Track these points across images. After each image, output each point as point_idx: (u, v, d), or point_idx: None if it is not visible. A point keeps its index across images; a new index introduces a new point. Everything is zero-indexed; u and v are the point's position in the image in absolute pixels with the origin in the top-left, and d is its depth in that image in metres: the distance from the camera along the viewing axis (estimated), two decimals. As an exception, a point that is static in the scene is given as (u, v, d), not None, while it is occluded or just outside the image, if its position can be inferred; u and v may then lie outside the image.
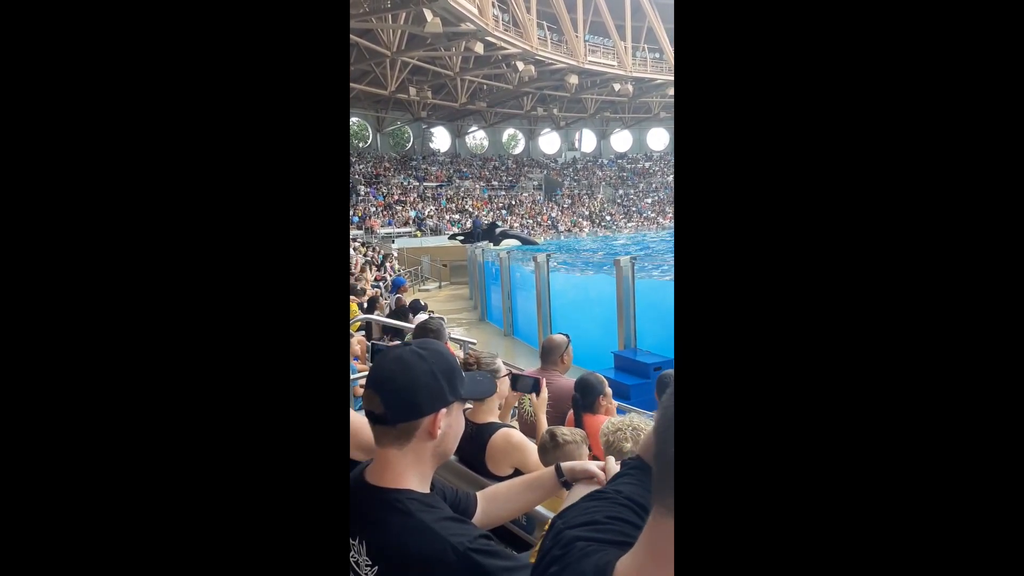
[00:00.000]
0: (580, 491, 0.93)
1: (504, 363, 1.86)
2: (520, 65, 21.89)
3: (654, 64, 27.83)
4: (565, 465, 0.98)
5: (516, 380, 1.82)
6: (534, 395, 1.89)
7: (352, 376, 3.35)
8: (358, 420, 1.16)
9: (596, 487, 0.92)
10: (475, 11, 18.14)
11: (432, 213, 23.49)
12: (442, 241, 19.85)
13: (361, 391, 3.62)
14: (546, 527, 0.90)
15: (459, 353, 3.72)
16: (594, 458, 1.47)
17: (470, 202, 25.60)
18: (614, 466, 0.93)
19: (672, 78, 27.21)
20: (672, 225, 27.94)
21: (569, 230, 25.96)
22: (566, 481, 0.97)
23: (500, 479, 1.67)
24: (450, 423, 0.84)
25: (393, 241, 19.27)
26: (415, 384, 0.80)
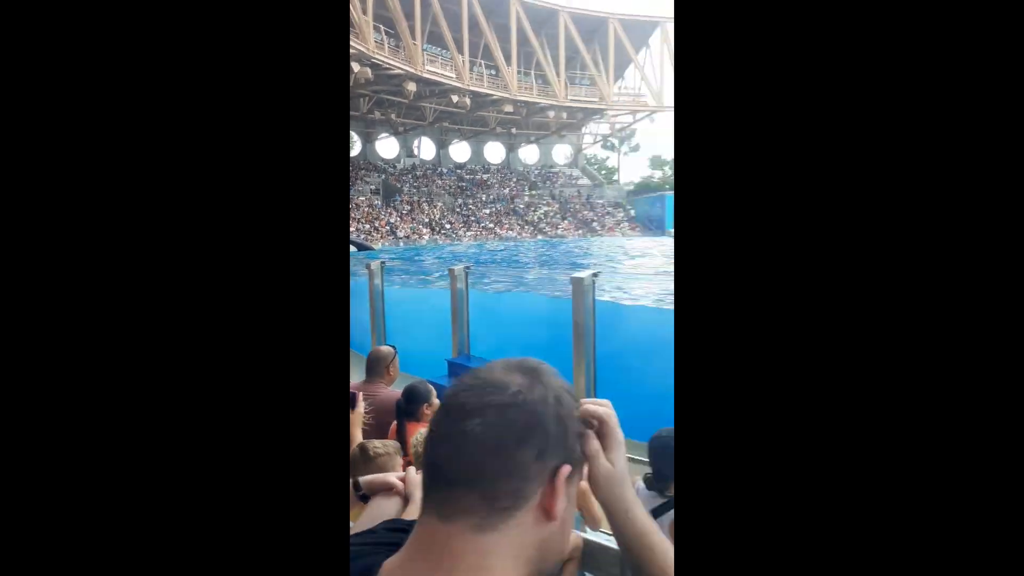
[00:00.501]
0: (376, 504, 0.93)
1: None
2: (356, 67, 21.16)
3: (491, 80, 28.94)
4: (364, 480, 0.97)
5: None
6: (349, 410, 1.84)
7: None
8: None
9: (394, 498, 0.93)
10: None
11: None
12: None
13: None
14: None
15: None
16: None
17: (301, 205, 23.93)
18: (412, 475, 0.94)
19: (507, 95, 28.61)
20: (506, 234, 29.23)
21: (408, 237, 25.70)
22: (364, 495, 0.96)
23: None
24: None
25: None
26: None
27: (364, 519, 0.90)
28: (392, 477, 0.95)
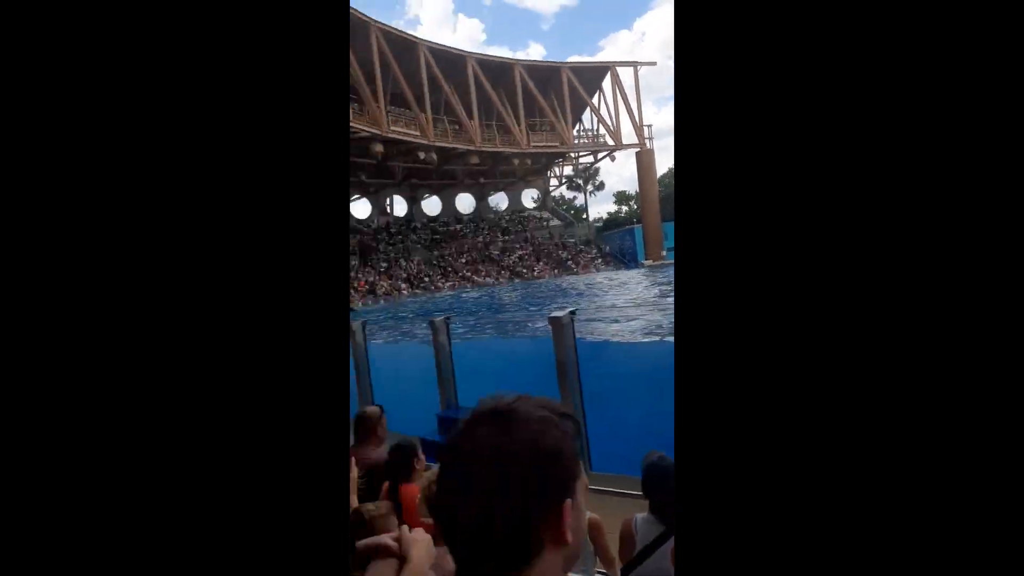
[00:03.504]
0: (374, 567, 0.92)
1: None
2: (322, 133, 21.60)
3: (454, 135, 29.75)
4: (359, 544, 0.97)
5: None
6: None
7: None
8: None
9: (392, 560, 0.93)
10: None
11: (232, 287, 21.26)
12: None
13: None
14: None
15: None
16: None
17: (277, 273, 23.83)
18: (406, 533, 0.95)
19: (471, 147, 29.36)
20: (484, 281, 29.36)
21: (388, 293, 25.64)
22: (364, 560, 0.96)
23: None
24: None
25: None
26: None
27: (364, 585, 0.90)
28: (387, 538, 0.95)
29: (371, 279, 26.64)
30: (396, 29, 27.45)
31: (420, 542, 0.94)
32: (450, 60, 29.39)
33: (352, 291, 24.24)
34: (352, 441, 2.64)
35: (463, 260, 32.14)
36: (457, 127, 29.81)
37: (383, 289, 25.96)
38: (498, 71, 31.50)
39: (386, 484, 2.19)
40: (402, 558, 0.93)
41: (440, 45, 29.69)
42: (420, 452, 2.20)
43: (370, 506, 1.47)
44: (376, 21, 25.72)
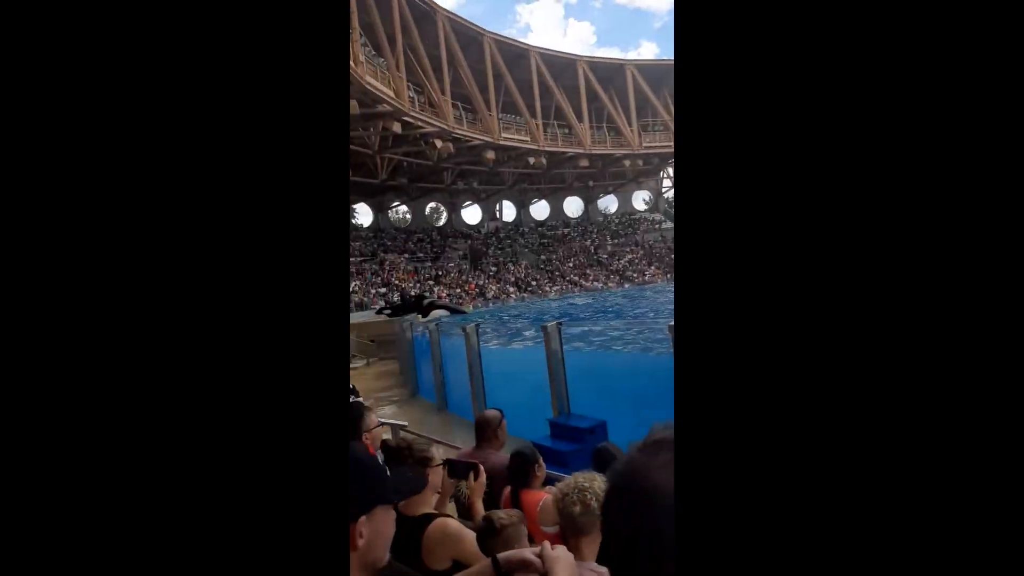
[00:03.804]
0: (518, 583, 0.92)
1: (440, 442, 1.83)
2: (438, 142, 22.72)
3: (564, 139, 29.81)
4: (501, 557, 0.97)
5: (452, 466, 1.79)
6: (472, 479, 1.86)
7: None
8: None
9: (534, 575, 0.92)
10: (391, 93, 18.86)
11: (357, 288, 23.04)
12: (369, 316, 19.38)
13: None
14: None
15: (389, 438, 3.58)
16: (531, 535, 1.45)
17: (396, 275, 25.44)
18: (549, 551, 0.93)
19: (581, 151, 29.22)
20: (592, 286, 29.01)
21: (497, 296, 26.29)
22: (505, 573, 0.95)
23: (438, 574, 1.59)
24: (375, 529, 0.82)
25: (316, 320, 18.51)
26: None
27: (506, 600, 0.90)
28: (529, 553, 0.94)
29: (480, 282, 27.49)
30: (508, 38, 28.16)
31: (563, 560, 0.91)
32: (560, 65, 29.52)
33: (464, 293, 25.18)
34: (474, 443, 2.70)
35: (571, 264, 32.06)
36: (567, 131, 29.84)
37: (492, 292, 26.66)
38: (609, 73, 31.09)
39: (507, 490, 2.21)
40: (544, 574, 0.92)
41: (550, 50, 29.94)
42: (541, 459, 2.19)
43: (501, 514, 1.48)
44: (489, 32, 26.57)
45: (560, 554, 0.92)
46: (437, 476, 1.71)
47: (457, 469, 1.78)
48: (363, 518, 0.80)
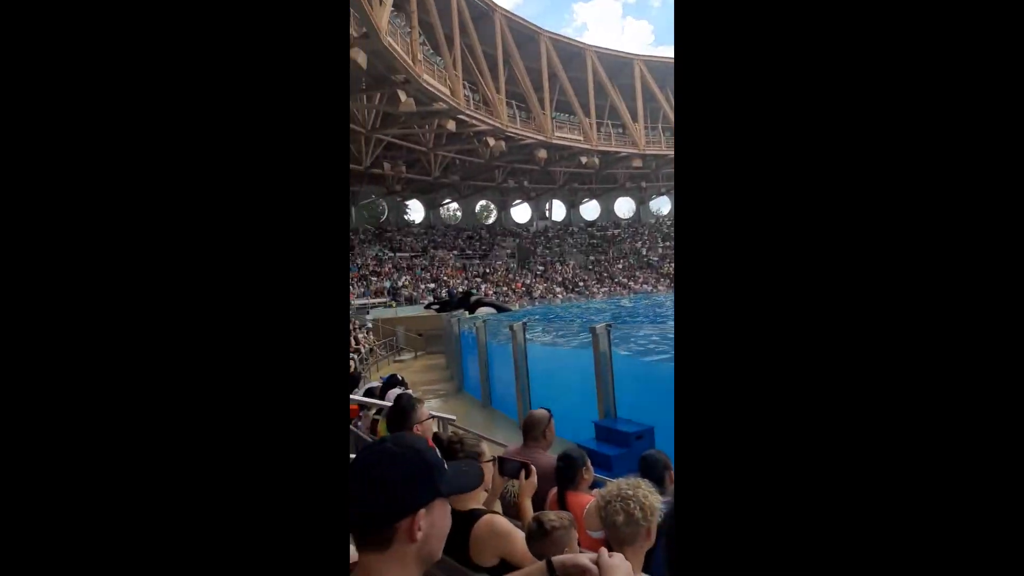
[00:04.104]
0: (573, 589, 0.90)
1: (484, 438, 1.84)
2: (491, 141, 22.87)
3: (618, 138, 29.40)
4: (556, 560, 0.95)
5: (503, 464, 1.78)
6: (522, 479, 1.85)
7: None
8: None
9: (590, 583, 0.89)
10: (447, 91, 19.13)
11: (407, 283, 23.54)
12: (418, 310, 19.76)
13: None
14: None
15: (439, 430, 3.62)
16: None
17: (445, 271, 25.82)
18: (606, 558, 0.90)
19: (634, 151, 28.74)
20: (641, 288, 28.49)
21: (543, 296, 26.24)
22: (557, 576, 0.94)
23: (485, 570, 1.59)
24: (432, 523, 0.81)
25: (368, 312, 19.08)
26: (387, 488, 0.77)
27: (561, 604, 0.88)
28: (586, 559, 0.92)
29: (527, 281, 27.51)
30: (564, 37, 28.00)
31: (621, 569, 0.89)
32: (616, 64, 29.12)
33: (510, 292, 25.28)
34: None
35: (620, 266, 31.62)
36: (621, 130, 29.42)
37: (539, 292, 26.63)
38: (666, 72, 30.39)
39: (553, 492, 2.19)
40: None
41: (607, 49, 29.57)
42: (589, 463, 2.16)
43: (552, 515, 1.46)
44: (545, 30, 26.51)
45: (618, 562, 0.90)
46: (488, 472, 1.71)
47: (508, 468, 1.77)
48: (422, 511, 0.80)
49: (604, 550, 0.93)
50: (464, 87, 21.32)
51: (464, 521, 1.64)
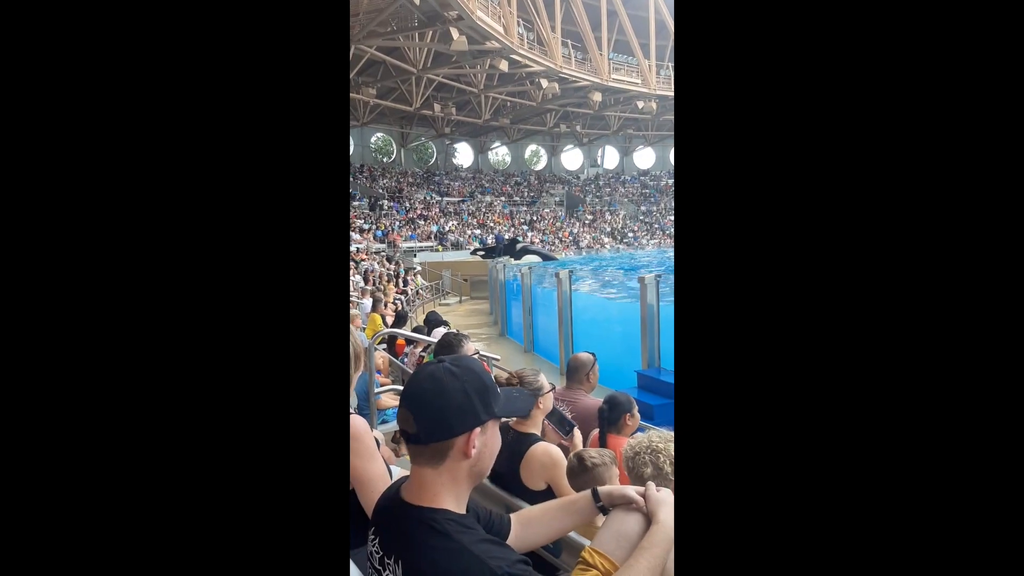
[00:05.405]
0: (617, 517, 0.90)
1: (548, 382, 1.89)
2: (544, 82, 22.10)
3: (678, 82, 27.85)
4: (602, 490, 0.95)
5: (553, 414, 1.84)
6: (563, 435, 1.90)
7: (376, 390, 3.36)
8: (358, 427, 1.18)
9: (635, 513, 0.89)
10: (501, 30, 18.43)
11: (454, 228, 23.68)
12: (464, 256, 19.96)
13: (383, 403, 3.58)
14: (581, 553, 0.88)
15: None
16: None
17: (492, 217, 25.77)
18: (654, 492, 0.90)
19: (696, 96, 27.15)
20: (695, 243, 27.63)
21: (590, 246, 25.92)
22: (603, 506, 0.94)
23: (530, 493, 1.64)
24: (485, 442, 0.83)
25: (415, 255, 19.43)
26: (448, 403, 0.79)
27: (605, 533, 0.89)
28: (632, 491, 0.92)
29: (575, 230, 27.15)
30: (627, -30, 26.23)
31: (668, 504, 0.88)
32: None
33: (557, 240, 25.07)
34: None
35: (671, 218, 30.68)
36: (681, 74, 27.80)
37: (586, 242, 26.29)
38: (736, 8, 28.15)
39: (595, 432, 2.21)
40: (647, 516, 0.89)
41: (673, -17, 27.60)
42: (636, 410, 2.16)
43: (592, 452, 1.47)
44: (608, -37, 24.89)
45: (665, 497, 0.89)
46: (548, 401, 1.76)
47: (554, 417, 1.82)
48: (478, 429, 0.81)
49: (652, 484, 0.93)
50: (518, 25, 20.47)
51: (520, 442, 1.69)
